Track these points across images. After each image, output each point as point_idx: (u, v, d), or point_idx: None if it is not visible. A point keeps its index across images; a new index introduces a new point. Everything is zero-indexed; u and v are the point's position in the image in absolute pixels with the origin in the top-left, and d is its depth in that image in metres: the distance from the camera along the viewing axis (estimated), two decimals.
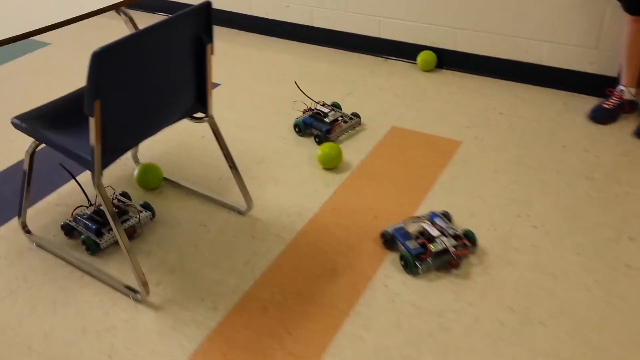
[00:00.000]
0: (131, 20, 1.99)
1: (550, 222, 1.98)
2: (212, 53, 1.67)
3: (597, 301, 1.67)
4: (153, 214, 2.03)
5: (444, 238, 1.80)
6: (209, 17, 1.58)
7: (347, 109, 2.70)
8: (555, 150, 2.37)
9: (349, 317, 1.65)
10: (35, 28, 1.58)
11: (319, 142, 2.44)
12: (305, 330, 1.62)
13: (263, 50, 3.35)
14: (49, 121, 1.71)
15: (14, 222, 2.06)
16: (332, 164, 2.29)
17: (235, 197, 2.15)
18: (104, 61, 1.33)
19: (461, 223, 1.99)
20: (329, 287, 1.76)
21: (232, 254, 1.90)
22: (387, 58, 3.21)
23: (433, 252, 1.77)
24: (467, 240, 1.83)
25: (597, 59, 2.68)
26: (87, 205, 2.02)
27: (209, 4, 1.55)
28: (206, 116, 1.83)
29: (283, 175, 2.28)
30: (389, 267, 1.82)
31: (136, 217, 1.96)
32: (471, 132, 2.51)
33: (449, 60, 3.03)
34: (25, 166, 1.79)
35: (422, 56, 3.03)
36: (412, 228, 1.88)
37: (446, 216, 1.97)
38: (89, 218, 1.93)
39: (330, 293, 1.74)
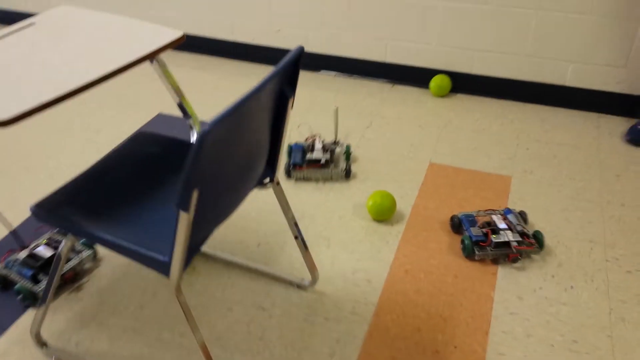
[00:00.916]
0: (163, 66, 1.61)
1: None
2: (292, 107, 1.35)
3: None
4: (95, 254, 1.83)
5: (509, 232, 1.85)
6: (297, 66, 1.26)
7: (368, 145, 2.42)
8: (610, 180, 2.22)
9: None
10: (70, 89, 1.19)
11: (287, 175, 2.23)
12: None
13: (253, 80, 3.00)
14: (81, 207, 1.31)
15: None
16: (386, 216, 2.00)
17: (286, 267, 1.81)
18: (211, 141, 0.98)
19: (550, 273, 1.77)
20: None
21: (310, 344, 1.57)
22: (395, 83, 2.97)
23: (493, 242, 1.81)
24: (534, 240, 1.85)
25: (626, 78, 2.57)
26: (19, 248, 1.79)
27: (302, 50, 1.22)
28: (271, 180, 1.49)
29: (332, 233, 1.96)
30: (500, 337, 1.57)
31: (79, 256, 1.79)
32: (517, 165, 2.31)
33: (464, 84, 2.84)
34: (58, 272, 1.38)
35: (436, 81, 2.81)
36: (483, 218, 1.95)
37: (522, 215, 1.97)
38: (23, 263, 1.72)
39: None
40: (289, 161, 2.23)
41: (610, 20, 2.46)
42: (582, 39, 2.54)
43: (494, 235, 1.83)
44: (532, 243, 1.84)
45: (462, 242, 1.87)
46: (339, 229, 1.98)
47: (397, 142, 2.47)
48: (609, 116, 2.65)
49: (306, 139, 2.35)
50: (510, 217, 1.93)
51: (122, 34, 1.45)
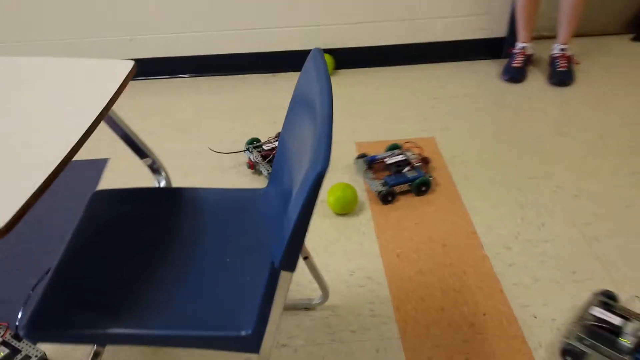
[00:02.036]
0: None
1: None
2: None
3: None
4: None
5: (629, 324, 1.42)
6: None
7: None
8: (513, 117, 2.39)
9: None
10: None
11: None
12: None
13: (125, 97, 2.64)
14: (89, 307, 1.01)
15: None
16: (350, 208, 1.92)
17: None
18: None
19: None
20: (491, 346, 1.47)
21: None
22: (276, 72, 2.84)
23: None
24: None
25: (488, 24, 2.77)
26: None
27: None
28: None
29: (308, 240, 1.82)
30: (514, 291, 1.61)
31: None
32: (432, 125, 2.37)
33: (346, 59, 2.82)
34: None
35: None
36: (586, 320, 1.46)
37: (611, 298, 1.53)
38: None
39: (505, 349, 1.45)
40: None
41: None
42: None
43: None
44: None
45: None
46: (310, 235, 1.85)
47: None
48: (482, 61, 2.85)
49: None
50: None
51: (68, 80, 1.13)
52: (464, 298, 1.61)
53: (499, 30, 2.78)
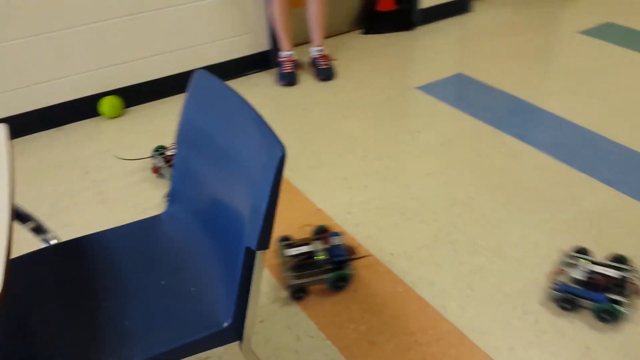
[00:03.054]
0: None
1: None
2: None
3: None
4: None
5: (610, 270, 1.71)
6: None
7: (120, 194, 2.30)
8: (309, 112, 2.77)
9: None
10: None
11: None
12: None
13: None
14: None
15: None
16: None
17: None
18: None
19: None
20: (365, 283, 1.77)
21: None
22: (59, 127, 2.73)
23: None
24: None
25: (253, 42, 3.10)
26: None
27: None
28: None
29: None
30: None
31: None
32: None
33: (134, 96, 2.86)
34: None
35: (106, 104, 2.74)
36: (576, 275, 1.72)
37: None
38: None
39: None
40: None
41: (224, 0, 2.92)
42: (212, 21, 2.92)
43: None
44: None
45: (600, 312, 1.64)
46: None
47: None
48: (257, 74, 3.18)
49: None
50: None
51: None
52: (436, 220, 1.89)
53: (263, 44, 3.15)
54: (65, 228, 2.08)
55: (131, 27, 2.70)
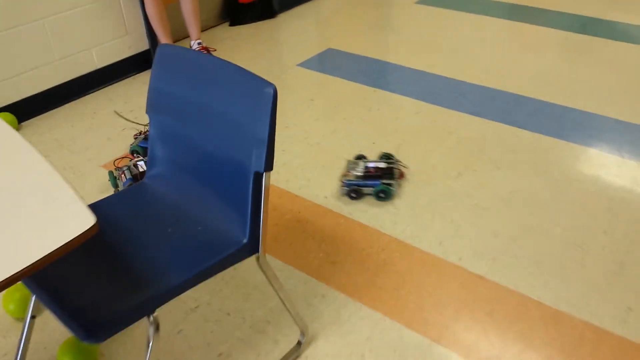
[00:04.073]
0: None
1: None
2: None
3: None
4: None
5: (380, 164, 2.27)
6: None
7: None
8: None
9: None
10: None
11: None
12: None
13: None
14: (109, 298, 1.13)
15: None
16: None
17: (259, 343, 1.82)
18: None
19: None
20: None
21: None
22: None
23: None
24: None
25: (133, 42, 3.18)
26: None
27: None
28: None
29: None
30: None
31: None
32: None
33: (26, 110, 2.80)
34: None
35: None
36: (357, 172, 2.24)
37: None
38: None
39: None
40: None
41: (101, 3, 2.96)
42: (89, 27, 2.96)
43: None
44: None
45: (379, 193, 2.21)
46: None
47: None
48: (143, 73, 3.26)
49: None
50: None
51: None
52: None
53: (143, 44, 3.24)
54: None
55: (10, 42, 2.66)
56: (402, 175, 2.29)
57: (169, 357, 1.61)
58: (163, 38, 3.15)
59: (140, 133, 2.54)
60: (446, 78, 3.03)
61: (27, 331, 1.51)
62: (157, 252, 1.30)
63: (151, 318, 1.19)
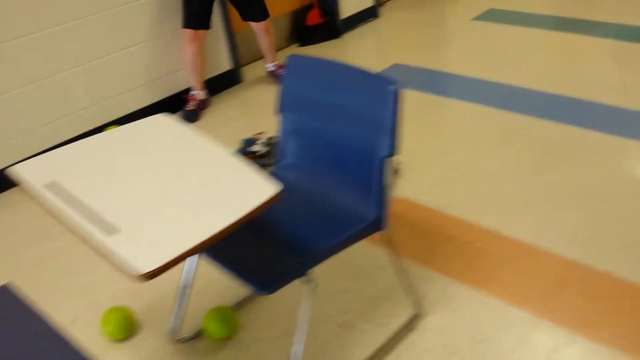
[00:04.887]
0: None
1: None
2: None
3: None
4: None
5: None
6: None
7: None
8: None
9: None
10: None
11: None
12: None
13: None
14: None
15: None
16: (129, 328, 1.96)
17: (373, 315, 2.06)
18: None
19: None
20: None
21: None
22: None
23: None
24: None
25: (166, 85, 3.32)
26: None
27: None
28: None
29: None
30: None
31: None
32: None
33: None
34: None
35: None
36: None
37: None
38: None
39: None
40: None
41: (162, 40, 3.16)
42: (142, 65, 3.13)
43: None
44: None
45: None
46: None
47: None
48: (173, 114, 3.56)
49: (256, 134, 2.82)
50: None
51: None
52: None
53: (179, 85, 3.38)
54: None
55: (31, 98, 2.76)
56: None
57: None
58: (194, 82, 3.27)
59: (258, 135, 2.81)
60: (512, 86, 3.23)
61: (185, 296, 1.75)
62: (303, 226, 1.54)
63: (306, 278, 1.42)
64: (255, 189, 1.23)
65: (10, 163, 2.77)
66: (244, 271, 1.37)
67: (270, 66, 3.57)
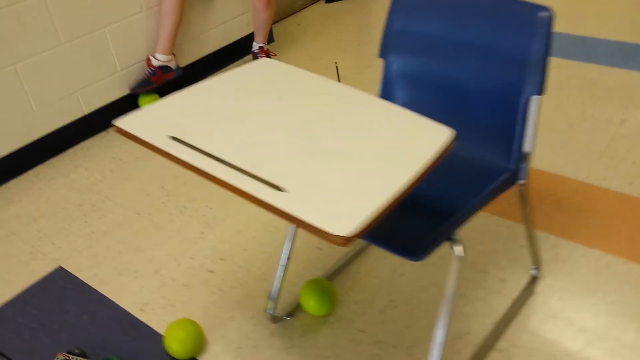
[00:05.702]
0: None
1: None
2: None
3: None
4: None
5: None
6: None
7: None
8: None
9: None
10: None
11: None
12: None
13: None
14: None
15: None
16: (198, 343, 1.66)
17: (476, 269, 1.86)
18: None
19: None
20: None
21: None
22: None
23: None
24: None
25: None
26: None
27: None
28: None
29: None
30: None
31: None
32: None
33: None
34: None
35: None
36: None
37: None
38: None
39: None
40: None
41: (79, 42, 2.52)
42: (81, 68, 2.57)
43: None
44: None
45: None
46: None
47: None
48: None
49: None
50: None
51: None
52: None
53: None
54: None
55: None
56: None
57: (401, 296, 1.65)
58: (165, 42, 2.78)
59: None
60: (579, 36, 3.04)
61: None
62: (440, 185, 1.33)
63: (454, 239, 1.23)
64: (427, 133, 1.02)
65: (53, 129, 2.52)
66: (390, 240, 1.18)
67: (256, 46, 3.13)
